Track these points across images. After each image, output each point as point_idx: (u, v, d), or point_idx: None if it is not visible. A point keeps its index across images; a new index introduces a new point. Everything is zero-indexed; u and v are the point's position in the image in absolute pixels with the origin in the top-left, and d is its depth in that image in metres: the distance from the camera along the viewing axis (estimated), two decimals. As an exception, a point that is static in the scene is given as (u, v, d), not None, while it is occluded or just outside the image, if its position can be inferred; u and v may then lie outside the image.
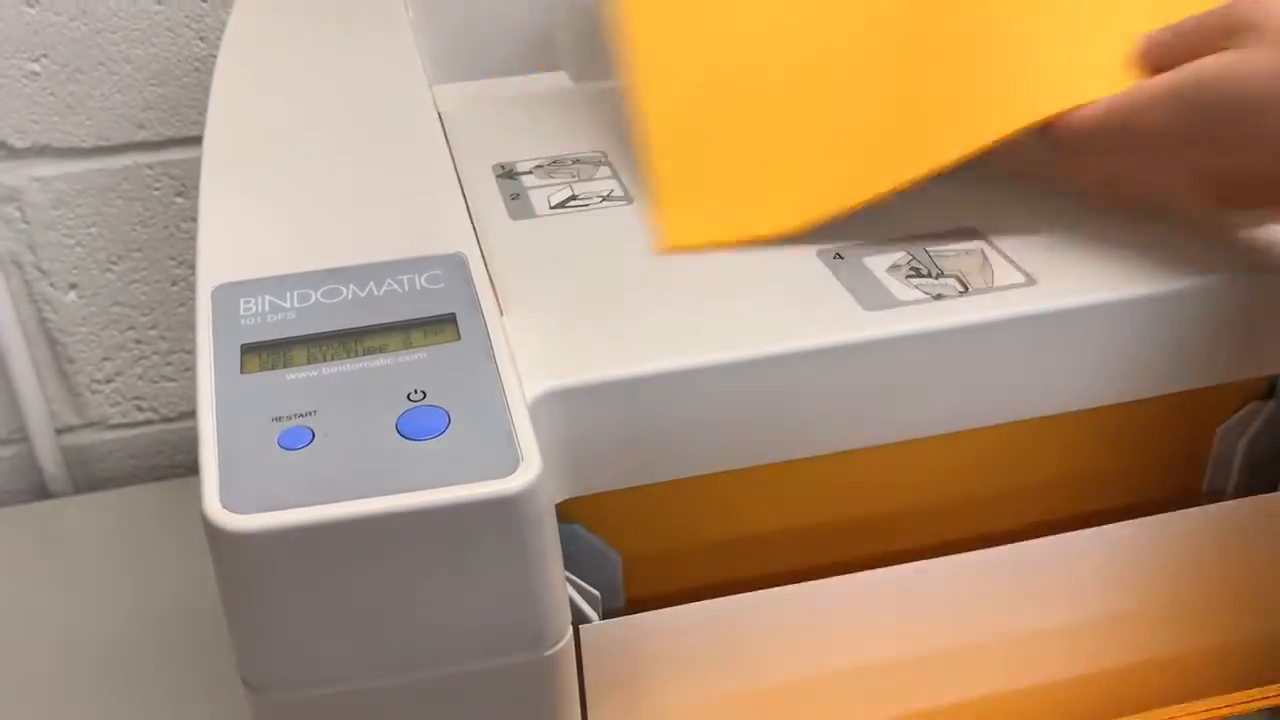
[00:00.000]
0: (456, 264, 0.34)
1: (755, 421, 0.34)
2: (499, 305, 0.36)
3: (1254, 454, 0.41)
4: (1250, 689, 0.43)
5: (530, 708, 0.31)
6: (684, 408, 0.34)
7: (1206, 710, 0.41)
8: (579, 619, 0.35)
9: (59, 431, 0.77)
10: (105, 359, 0.76)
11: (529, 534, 0.28)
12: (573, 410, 0.33)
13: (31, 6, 0.66)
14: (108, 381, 0.77)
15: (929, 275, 0.37)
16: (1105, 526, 0.38)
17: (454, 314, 0.32)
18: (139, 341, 0.76)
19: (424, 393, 0.30)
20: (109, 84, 0.68)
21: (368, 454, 0.28)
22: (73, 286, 0.73)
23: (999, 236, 0.39)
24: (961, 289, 0.36)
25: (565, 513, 0.36)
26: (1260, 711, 0.41)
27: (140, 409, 0.78)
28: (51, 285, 0.73)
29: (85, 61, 0.68)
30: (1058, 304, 0.35)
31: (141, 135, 0.70)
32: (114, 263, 0.73)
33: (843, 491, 0.39)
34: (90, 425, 0.78)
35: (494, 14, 0.56)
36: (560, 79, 0.54)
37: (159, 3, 0.67)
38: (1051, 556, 0.39)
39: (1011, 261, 0.38)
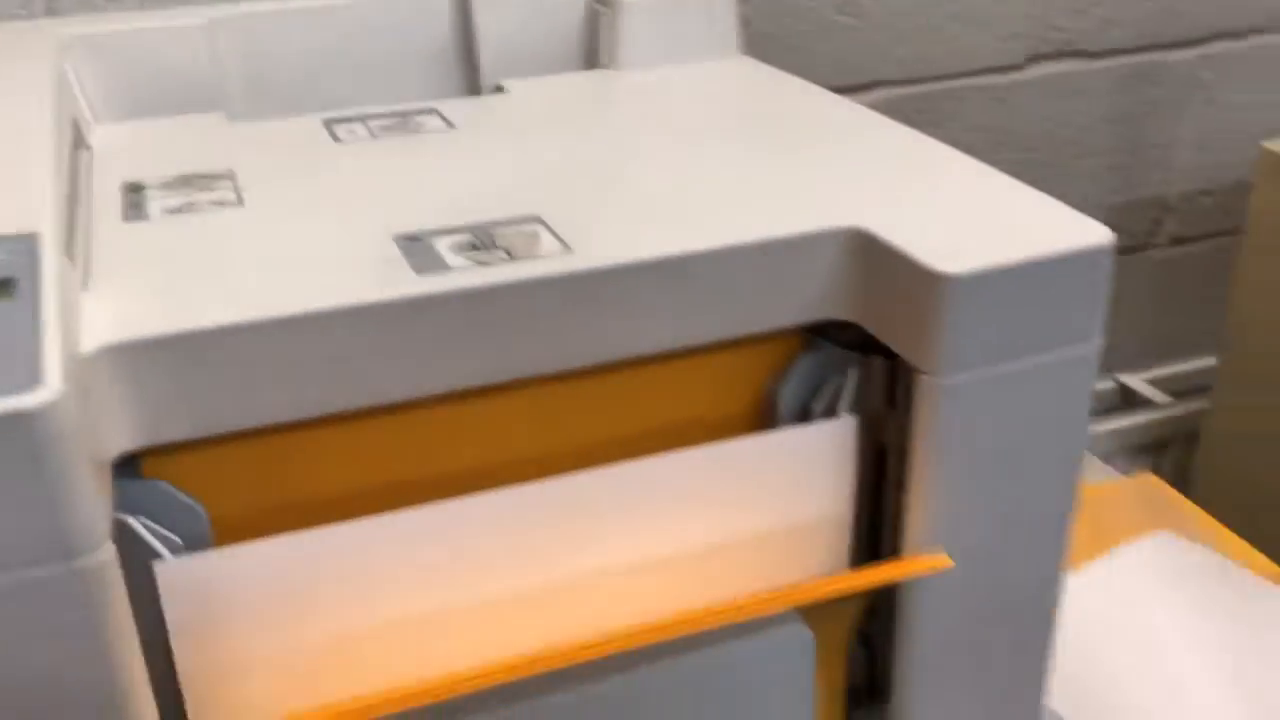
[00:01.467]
0: (28, 241, 0.38)
1: (308, 374, 0.39)
2: (83, 281, 0.40)
3: (792, 404, 0.47)
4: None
5: (76, 625, 0.34)
6: (241, 361, 0.38)
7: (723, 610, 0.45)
8: (151, 557, 0.38)
9: None
10: None
11: (50, 449, 0.32)
12: (134, 363, 0.37)
13: None
14: None
15: (483, 248, 0.43)
16: (642, 460, 0.44)
17: (14, 279, 0.36)
18: None
19: (-31, 338, 0.33)
20: None
21: (-95, 385, 0.31)
22: None
23: (559, 220, 0.45)
24: (505, 257, 0.42)
25: (152, 471, 0.40)
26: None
27: None
28: None
29: None
30: (578, 266, 0.41)
31: None
32: None
33: (426, 449, 0.44)
34: None
35: (161, 60, 0.61)
36: (216, 119, 0.59)
37: None
38: (599, 490, 0.44)
39: (559, 237, 0.43)
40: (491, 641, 0.43)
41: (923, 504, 0.44)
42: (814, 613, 0.45)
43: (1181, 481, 1.18)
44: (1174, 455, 1.21)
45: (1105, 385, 1.22)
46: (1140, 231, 1.17)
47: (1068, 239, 0.43)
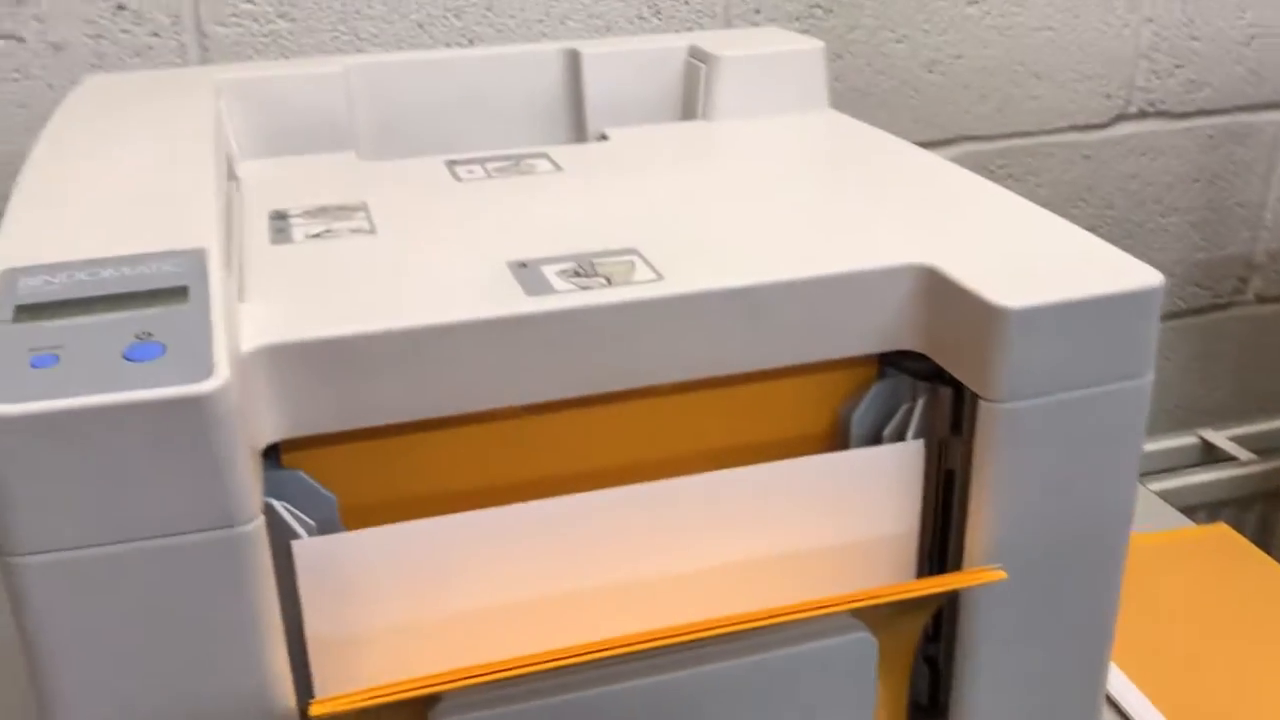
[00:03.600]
0: (198, 255, 0.44)
1: (430, 379, 0.44)
2: (239, 292, 0.46)
3: (864, 428, 0.51)
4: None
5: (228, 586, 0.39)
6: (373, 365, 0.43)
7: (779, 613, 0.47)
8: (290, 536, 0.44)
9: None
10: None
11: (216, 428, 0.37)
12: (284, 362, 0.42)
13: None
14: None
15: (585, 275, 0.48)
16: (724, 471, 0.48)
17: (187, 286, 0.42)
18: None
19: (150, 334, 0.39)
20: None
21: (98, 370, 0.37)
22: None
23: (654, 253, 0.50)
24: (605, 283, 0.47)
25: (292, 462, 0.45)
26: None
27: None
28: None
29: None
30: (668, 291, 0.46)
31: None
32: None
33: (531, 454, 0.49)
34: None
35: (301, 103, 0.68)
36: (349, 157, 0.65)
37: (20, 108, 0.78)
38: (685, 497, 0.48)
39: (653, 267, 0.48)
40: (575, 632, 0.48)
41: (981, 523, 0.48)
42: (877, 622, 0.49)
43: (1264, 539, 1.18)
44: (1258, 512, 1.21)
45: (1188, 441, 1.23)
46: (1225, 290, 1.19)
47: (1120, 280, 0.46)
